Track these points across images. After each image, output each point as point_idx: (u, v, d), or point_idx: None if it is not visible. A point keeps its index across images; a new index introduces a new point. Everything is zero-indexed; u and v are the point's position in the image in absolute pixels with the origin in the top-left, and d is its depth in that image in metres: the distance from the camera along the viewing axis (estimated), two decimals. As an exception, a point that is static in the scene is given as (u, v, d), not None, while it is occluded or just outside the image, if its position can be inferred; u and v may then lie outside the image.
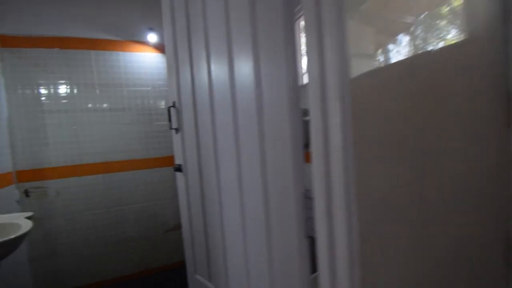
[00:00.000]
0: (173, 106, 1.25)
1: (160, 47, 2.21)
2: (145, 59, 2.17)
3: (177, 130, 1.25)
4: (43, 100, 1.93)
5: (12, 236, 1.12)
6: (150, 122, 2.22)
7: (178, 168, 1.23)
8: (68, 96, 1.99)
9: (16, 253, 1.87)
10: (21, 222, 1.27)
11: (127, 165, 2.16)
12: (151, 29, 2.11)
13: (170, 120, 1.29)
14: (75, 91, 2.01)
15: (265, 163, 0.73)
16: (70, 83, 1.99)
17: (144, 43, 2.17)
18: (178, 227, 2.32)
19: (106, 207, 2.11)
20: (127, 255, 2.20)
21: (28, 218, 1.36)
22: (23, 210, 1.91)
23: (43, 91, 1.93)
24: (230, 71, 0.83)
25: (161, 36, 2.10)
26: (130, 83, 2.14)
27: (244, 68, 0.77)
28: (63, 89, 1.98)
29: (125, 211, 2.17)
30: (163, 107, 2.25)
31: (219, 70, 0.91)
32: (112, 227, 2.14)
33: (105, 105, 2.09)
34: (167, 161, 2.24)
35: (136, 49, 2.15)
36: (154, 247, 2.28)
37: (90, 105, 2.04)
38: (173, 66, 1.21)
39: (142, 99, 2.19)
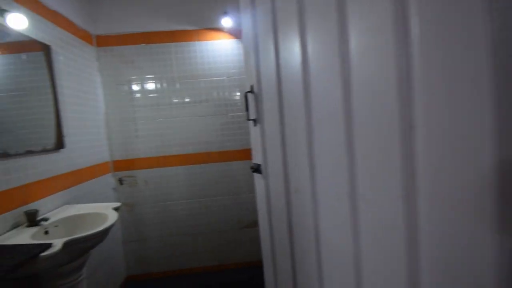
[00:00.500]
0: (251, 91, 1.02)
1: (234, 33, 2.05)
2: (220, 47, 2.05)
3: (255, 121, 1.02)
4: (133, 95, 2.04)
5: (100, 229, 1.13)
6: (225, 113, 2.11)
7: (257, 169, 1.01)
8: (153, 91, 2.05)
9: (113, 235, 2.08)
10: (108, 213, 1.29)
11: (204, 157, 2.12)
12: (226, 13, 1.96)
13: (247, 109, 1.07)
14: (159, 85, 2.05)
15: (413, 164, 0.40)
16: (154, 78, 2.05)
17: (219, 29, 2.05)
18: (254, 224, 2.18)
19: (185, 198, 2.14)
20: (204, 247, 2.20)
21: (115, 208, 1.40)
22: (117, 197, 2.09)
23: (133, 86, 2.04)
24: (341, 40, 0.53)
25: (236, 19, 1.93)
26: (206, 74, 2.06)
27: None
28: (149, 84, 2.05)
29: (202, 203, 2.15)
30: (238, 98, 2.10)
31: (321, 44, 0.61)
32: (190, 218, 2.15)
33: (183, 97, 2.08)
34: (243, 154, 2.11)
35: (210, 37, 2.05)
36: (230, 243, 2.21)
37: (171, 98, 2.06)
38: (252, 45, 0.98)
39: (217, 90, 2.09)
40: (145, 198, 2.11)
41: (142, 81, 2.04)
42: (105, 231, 1.15)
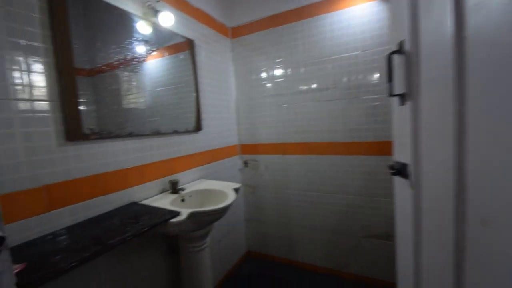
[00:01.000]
0: (399, 50, 0.68)
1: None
2: (354, 14, 1.68)
3: (403, 97, 0.69)
4: (260, 81, 2.08)
5: (220, 206, 1.17)
6: (355, 97, 1.75)
7: (400, 171, 0.68)
8: (279, 76, 2.00)
9: (237, 212, 2.28)
10: (229, 193, 1.35)
11: (327, 148, 1.88)
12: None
13: (389, 79, 0.74)
14: (285, 70, 1.97)
15: None
16: (281, 62, 1.98)
17: (356, -7, 1.68)
18: (386, 237, 1.76)
19: (303, 189, 2.00)
20: (319, 245, 2.00)
21: (236, 189, 1.45)
22: (242, 178, 2.24)
23: (261, 73, 2.07)
24: None
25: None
26: (335, 51, 1.77)
27: None
28: (276, 70, 2.01)
29: (320, 198, 1.95)
30: (373, 77, 1.68)
31: None
32: (307, 211, 2.00)
33: (309, 81, 1.90)
34: (377, 148, 1.70)
35: (344, 4, 1.71)
36: (349, 249, 1.90)
37: (296, 83, 1.94)
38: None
39: (348, 69, 1.75)
40: (265, 183, 2.15)
41: (269, 68, 2.03)
42: (224, 209, 1.19)
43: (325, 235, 1.97)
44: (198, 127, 1.65)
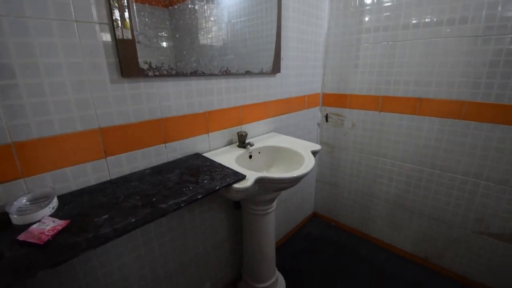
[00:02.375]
0: None
1: None
2: None
3: None
4: (362, 8, 1.50)
5: (292, 175, 0.93)
6: (499, 34, 1.06)
7: None
8: (387, 8, 1.38)
9: (310, 172, 2.02)
10: (306, 158, 1.07)
11: (444, 108, 1.32)
12: None
13: None
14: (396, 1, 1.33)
15: None
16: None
17: None
18: (507, 238, 1.26)
19: (399, 159, 1.55)
20: (409, 229, 1.63)
21: (314, 153, 1.16)
22: (320, 134, 1.90)
23: (364, 0, 1.48)
24: None
25: None
26: None
27: None
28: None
29: (422, 174, 1.48)
30: None
31: None
32: (402, 186, 1.59)
33: (428, 11, 1.24)
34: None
35: None
36: (452, 243, 1.47)
37: (408, 13, 1.30)
38: None
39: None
40: (348, 143, 1.77)
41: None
42: (297, 179, 0.94)
43: (416, 218, 1.56)
44: (275, 69, 1.32)
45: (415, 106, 1.42)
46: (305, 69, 1.58)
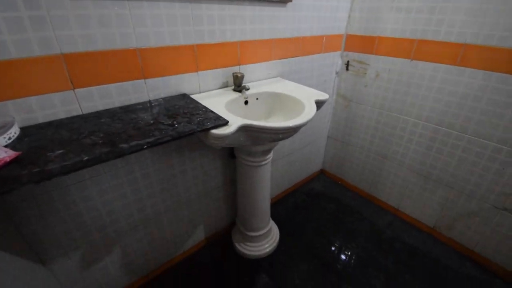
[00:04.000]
0: None
1: None
2: None
3: None
4: None
5: (280, 125, 0.81)
6: None
7: None
8: None
9: (321, 125, 1.86)
10: (306, 107, 0.93)
11: (498, 57, 1.04)
12: None
13: None
14: None
15: None
16: None
17: None
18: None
19: (427, 119, 1.33)
20: (412, 191, 1.50)
21: (319, 103, 1.00)
22: (338, 84, 1.68)
23: None
24: None
25: None
26: None
27: None
28: None
29: (451, 138, 1.28)
30: None
31: None
32: (423, 151, 1.41)
33: None
34: None
35: None
36: (458, 211, 1.34)
37: None
38: None
39: None
40: (369, 97, 1.55)
41: None
42: (288, 129, 0.82)
43: (431, 185, 1.42)
44: (286, -3, 1.08)
45: (457, 54, 1.14)
46: (326, 0, 1.30)
